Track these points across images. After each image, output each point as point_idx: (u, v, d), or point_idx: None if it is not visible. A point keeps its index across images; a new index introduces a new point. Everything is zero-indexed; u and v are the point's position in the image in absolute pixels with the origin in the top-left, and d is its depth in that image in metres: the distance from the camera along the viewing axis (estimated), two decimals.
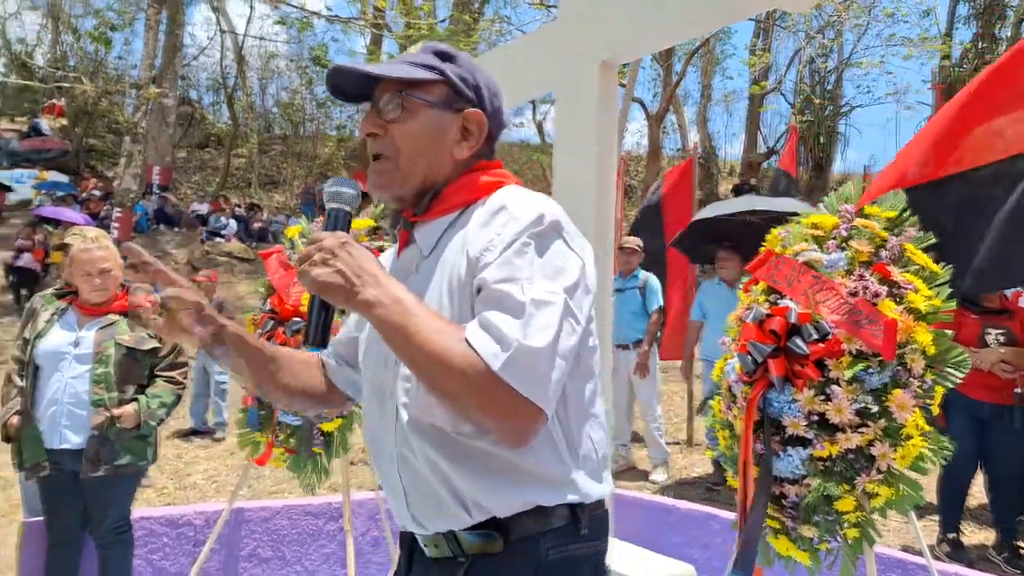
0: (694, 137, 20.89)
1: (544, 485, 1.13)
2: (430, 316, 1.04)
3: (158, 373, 3.19)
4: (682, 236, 6.06)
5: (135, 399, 3.09)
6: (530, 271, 1.05)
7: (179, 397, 3.24)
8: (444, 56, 1.25)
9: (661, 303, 6.10)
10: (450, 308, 1.12)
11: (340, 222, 1.18)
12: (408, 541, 1.29)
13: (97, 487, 3.02)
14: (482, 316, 1.03)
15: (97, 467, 2.98)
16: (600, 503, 1.20)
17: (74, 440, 3.00)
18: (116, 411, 3.00)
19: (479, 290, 1.07)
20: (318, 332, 1.14)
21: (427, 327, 1.02)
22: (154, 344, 3.19)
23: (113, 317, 3.15)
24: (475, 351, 1.00)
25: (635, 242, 6.19)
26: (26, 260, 13.34)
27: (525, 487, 1.12)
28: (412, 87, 1.20)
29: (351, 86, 1.25)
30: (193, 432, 7.54)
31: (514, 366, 0.99)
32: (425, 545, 1.22)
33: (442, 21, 17.22)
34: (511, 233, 1.08)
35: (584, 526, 1.16)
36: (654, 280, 6.11)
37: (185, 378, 3.29)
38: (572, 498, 1.14)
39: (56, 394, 3.01)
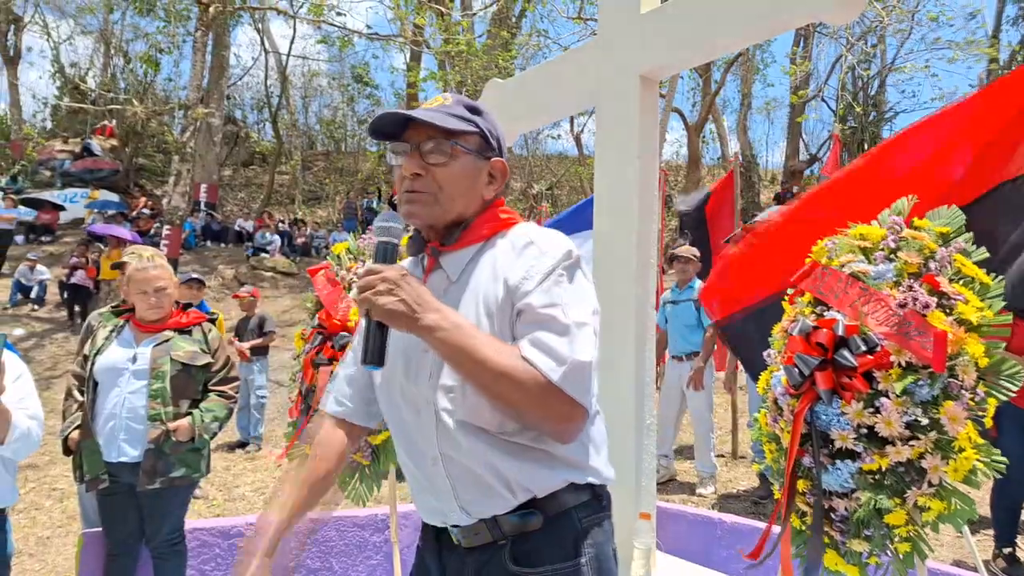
0: (734, 146, 20.65)
1: (572, 468, 1.35)
2: (488, 338, 1.25)
3: (211, 388, 3.28)
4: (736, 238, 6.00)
5: (190, 413, 3.17)
6: (567, 298, 1.28)
7: (231, 411, 3.32)
8: (474, 110, 1.44)
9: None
10: (488, 328, 1.30)
11: (389, 254, 1.32)
12: (434, 541, 1.45)
13: (153, 499, 3.11)
14: (532, 336, 1.25)
15: (153, 479, 3.06)
16: (605, 485, 1.44)
17: (131, 453, 3.08)
18: (172, 425, 3.09)
19: (520, 313, 1.28)
20: (376, 353, 1.27)
21: (488, 348, 1.22)
22: (207, 360, 3.28)
23: (168, 334, 3.24)
24: (534, 366, 1.22)
25: (691, 251, 6.09)
26: (79, 277, 13.71)
27: (559, 469, 1.33)
28: (455, 136, 1.38)
29: (389, 126, 1.40)
30: (240, 444, 7.69)
31: (570, 378, 1.22)
32: (462, 537, 1.38)
33: (480, 36, 17.40)
34: (547, 265, 1.30)
35: (604, 498, 1.41)
36: None
37: (236, 392, 3.38)
38: (592, 480, 1.38)
39: (115, 408, 3.10)
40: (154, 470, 3.06)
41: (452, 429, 1.31)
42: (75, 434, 3.15)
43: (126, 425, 3.09)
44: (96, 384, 3.16)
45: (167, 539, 3.19)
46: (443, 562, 1.43)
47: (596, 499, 1.39)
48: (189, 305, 3.41)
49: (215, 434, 3.26)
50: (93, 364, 3.18)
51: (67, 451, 3.20)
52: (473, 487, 1.33)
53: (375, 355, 1.27)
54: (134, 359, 3.16)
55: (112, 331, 3.25)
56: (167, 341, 3.21)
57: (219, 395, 3.27)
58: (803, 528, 2.05)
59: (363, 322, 1.29)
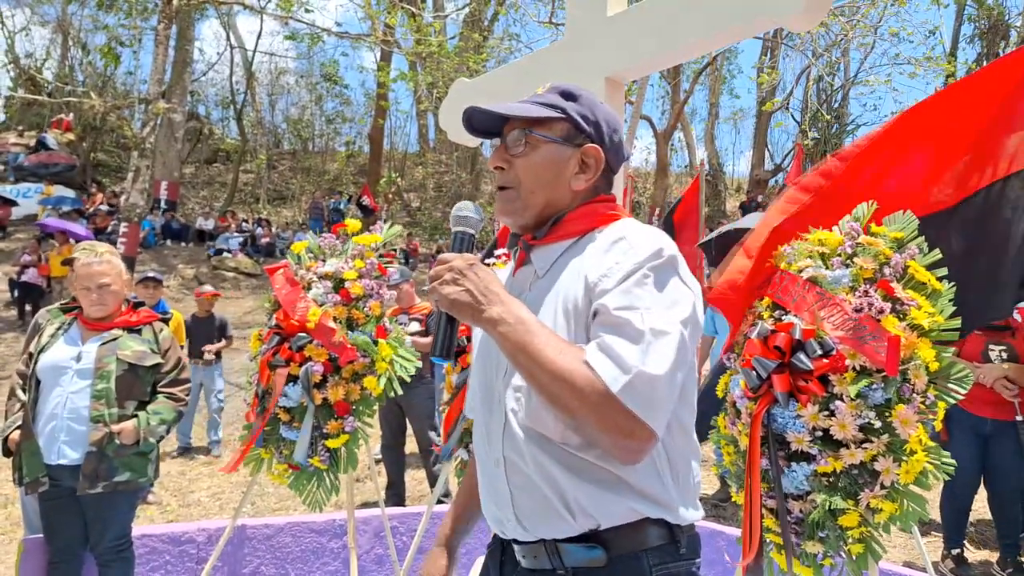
0: (701, 154, 20.94)
1: (646, 501, 1.20)
2: (551, 336, 1.14)
3: (160, 389, 3.17)
4: (711, 241, 6.03)
5: (135, 415, 3.06)
6: (649, 301, 1.14)
7: (180, 414, 3.22)
8: (567, 95, 1.34)
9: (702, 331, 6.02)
10: (565, 328, 1.20)
11: (465, 244, 1.29)
12: (499, 551, 1.36)
13: (96, 504, 2.99)
14: (601, 340, 1.12)
15: (95, 484, 2.94)
16: (692, 525, 1.28)
17: (72, 456, 2.96)
18: (115, 427, 2.97)
19: (596, 314, 1.16)
20: (444, 345, 1.23)
21: (549, 347, 1.11)
22: (157, 360, 3.17)
23: (116, 332, 3.13)
24: (595, 373, 1.09)
25: None
26: (31, 275, 13.37)
27: (628, 499, 1.19)
28: (536, 125, 1.31)
29: (483, 124, 1.36)
30: (184, 450, 7.49)
31: (633, 390, 1.08)
32: (523, 556, 1.28)
33: (452, 38, 17.36)
34: (631, 263, 1.17)
35: (683, 545, 1.23)
36: None
37: (187, 395, 3.26)
38: (669, 517, 1.21)
39: (55, 409, 2.98)
40: (96, 474, 2.94)
41: (517, 432, 1.23)
42: (15, 435, 3.03)
43: (67, 426, 2.97)
44: (39, 383, 3.05)
45: (112, 545, 3.08)
46: None
47: (673, 543, 1.22)
48: (141, 304, 3.31)
49: (162, 437, 3.14)
50: (37, 362, 3.07)
51: (7, 452, 3.08)
52: (531, 499, 1.22)
53: (442, 348, 1.23)
54: (78, 357, 3.05)
55: (59, 328, 3.15)
56: (114, 340, 3.11)
57: (167, 396, 3.16)
58: (771, 529, 2.06)
59: (435, 313, 1.24)
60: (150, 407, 3.10)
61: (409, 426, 5.80)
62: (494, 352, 1.28)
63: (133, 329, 3.17)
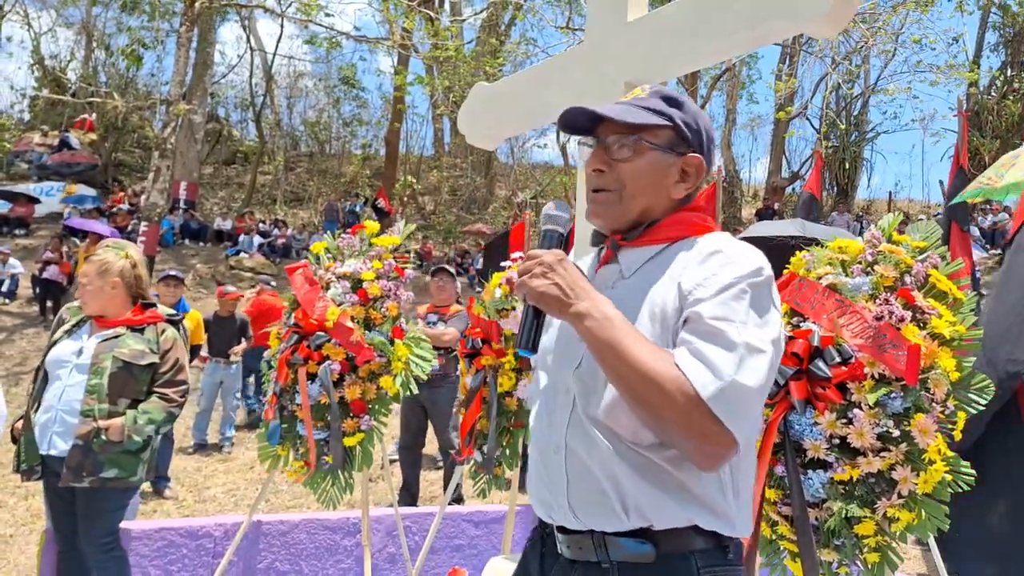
0: (718, 161, 20.86)
1: (703, 509, 1.20)
2: (639, 336, 1.16)
3: (154, 389, 3.15)
4: None
5: (125, 413, 3.05)
6: (745, 316, 1.15)
7: (172, 415, 3.17)
8: (672, 101, 1.34)
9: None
10: (650, 330, 1.20)
11: (554, 241, 1.31)
12: (539, 544, 1.37)
13: (84, 498, 3.00)
14: (693, 346, 1.13)
15: (80, 477, 2.94)
16: (739, 539, 1.28)
17: (61, 447, 2.97)
18: (103, 423, 2.97)
19: (687, 321, 1.17)
20: (530, 337, 1.26)
21: (638, 346, 1.13)
22: (153, 360, 3.14)
23: (119, 330, 3.13)
24: (687, 376, 1.10)
25: None
26: (52, 272, 13.51)
27: (687, 505, 1.19)
28: (642, 131, 1.30)
29: (579, 121, 1.35)
30: (199, 447, 7.56)
31: (724, 397, 1.09)
32: (567, 547, 1.28)
33: (469, 43, 17.43)
34: (730, 276, 1.18)
35: (730, 551, 1.25)
36: None
37: (183, 396, 3.21)
38: (724, 530, 1.22)
39: (52, 400, 3.02)
40: (80, 467, 2.94)
41: (584, 423, 1.24)
42: (20, 424, 3.11)
43: (60, 418, 3.00)
44: (46, 375, 3.10)
45: (100, 544, 3.04)
46: (544, 570, 1.34)
47: (721, 549, 1.23)
48: (151, 304, 3.29)
49: (150, 437, 3.09)
50: (46, 355, 3.13)
51: (13, 440, 3.14)
52: (588, 490, 1.23)
53: (528, 340, 1.26)
54: (79, 352, 3.08)
55: (75, 324, 3.20)
56: (116, 338, 3.11)
57: (160, 397, 3.14)
58: (773, 537, 2.05)
59: (520, 306, 1.25)
60: (140, 406, 3.08)
61: (429, 427, 5.83)
62: (570, 343, 1.28)
63: (136, 328, 3.17)
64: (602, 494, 1.21)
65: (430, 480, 6.47)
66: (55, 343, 3.14)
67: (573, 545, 1.27)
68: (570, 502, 1.25)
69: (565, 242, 1.33)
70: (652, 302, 1.23)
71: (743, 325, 1.14)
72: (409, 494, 5.71)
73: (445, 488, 5.67)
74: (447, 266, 6.32)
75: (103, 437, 2.96)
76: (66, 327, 3.19)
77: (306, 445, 3.08)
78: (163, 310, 3.30)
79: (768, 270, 1.21)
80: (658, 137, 1.31)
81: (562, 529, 1.29)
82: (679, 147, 1.32)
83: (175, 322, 3.30)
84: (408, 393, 3.10)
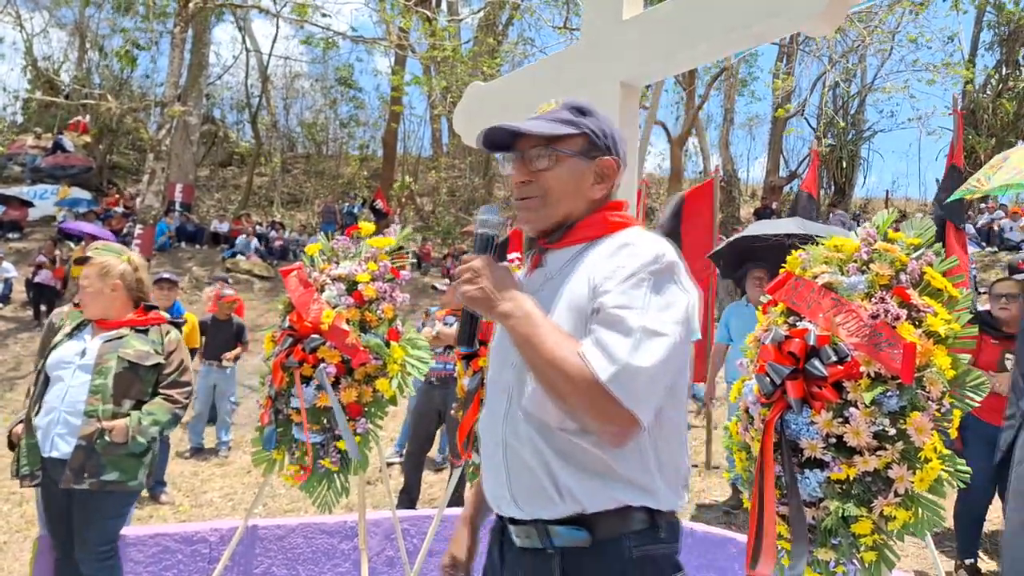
0: (716, 160, 20.89)
1: (630, 487, 1.31)
2: (553, 329, 1.27)
3: (159, 390, 3.14)
4: (721, 251, 5.99)
5: (129, 414, 3.03)
6: (644, 302, 1.26)
7: (176, 417, 3.15)
8: (581, 111, 1.46)
9: (699, 335, 5.99)
10: (571, 323, 1.31)
11: (487, 244, 1.42)
12: (499, 532, 1.48)
13: (83, 502, 2.96)
14: (596, 334, 1.25)
15: (81, 479, 2.90)
16: (673, 512, 1.38)
17: (64, 449, 2.94)
18: (107, 424, 2.94)
19: (596, 311, 1.28)
20: (466, 336, 1.41)
21: (549, 338, 1.25)
22: (158, 360, 3.13)
23: (123, 331, 3.12)
24: (588, 363, 1.22)
25: None
26: (44, 276, 13.47)
27: (614, 485, 1.30)
28: (556, 141, 1.42)
29: (499, 139, 1.47)
30: (196, 451, 7.53)
31: (619, 380, 1.20)
32: (517, 536, 1.39)
33: (466, 43, 17.42)
34: (632, 267, 1.29)
35: (662, 530, 1.34)
36: None
37: (187, 398, 3.21)
38: (650, 504, 1.32)
39: (55, 402, 2.99)
40: (82, 468, 2.91)
41: (518, 418, 1.35)
42: (19, 428, 3.07)
43: (64, 419, 2.97)
44: (47, 379, 3.07)
45: (95, 551, 2.99)
46: (503, 556, 1.46)
47: (653, 528, 1.33)
48: (153, 308, 3.28)
49: (153, 438, 3.08)
50: (47, 358, 3.09)
51: (11, 445, 3.10)
52: (526, 480, 1.34)
53: (464, 339, 1.40)
54: (83, 353, 3.06)
55: (76, 327, 3.18)
56: (120, 338, 3.10)
57: (165, 398, 3.13)
58: (783, 536, 2.04)
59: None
60: (145, 407, 3.07)
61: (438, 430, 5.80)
62: (507, 344, 1.39)
63: (140, 329, 3.16)
64: (538, 482, 1.32)
65: (429, 482, 6.46)
66: (56, 346, 3.11)
67: (522, 534, 1.37)
68: (512, 493, 1.37)
69: (496, 244, 1.43)
70: (570, 298, 1.34)
71: (642, 311, 1.25)
72: (409, 498, 5.69)
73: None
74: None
75: (107, 438, 2.93)
76: (67, 330, 3.17)
77: (302, 449, 3.07)
78: (190, 318, 3.29)
79: (669, 256, 1.31)
80: (572, 145, 1.42)
81: (512, 520, 1.41)
82: (592, 152, 1.44)
83: (177, 324, 3.30)
84: (415, 394, 3.10)
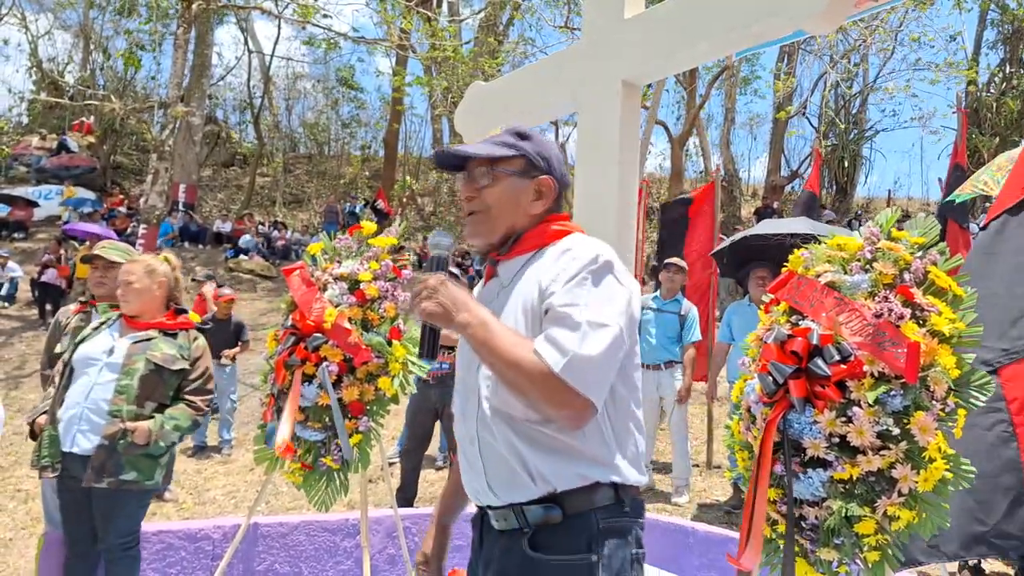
0: (717, 160, 20.84)
1: (595, 464, 1.44)
2: (508, 332, 1.40)
3: (183, 396, 3.16)
4: (723, 250, 5.98)
5: (152, 417, 3.05)
6: (586, 299, 1.40)
7: (197, 423, 3.20)
8: (521, 136, 1.62)
9: (700, 338, 6.00)
10: (524, 326, 1.46)
11: (440, 264, 1.54)
12: (479, 521, 1.61)
13: (103, 500, 2.99)
14: (547, 331, 1.39)
15: (101, 478, 2.93)
16: (637, 488, 1.51)
17: (84, 446, 2.97)
18: (130, 425, 2.97)
19: (546, 312, 1.42)
20: (428, 348, 1.49)
21: (505, 341, 1.37)
22: (184, 366, 3.16)
23: (152, 333, 3.14)
24: (542, 358, 1.34)
25: (681, 262, 6.12)
26: (50, 276, 13.48)
27: (579, 463, 1.43)
28: (498, 162, 1.58)
29: (450, 161, 1.63)
30: (199, 449, 7.56)
31: (571, 368, 1.33)
32: (495, 520, 1.52)
33: (467, 43, 17.42)
34: (574, 269, 1.43)
35: (627, 505, 1.48)
36: (695, 312, 6.04)
37: (209, 406, 3.25)
38: (615, 479, 1.45)
39: (79, 398, 3.01)
40: (103, 467, 2.93)
41: (488, 415, 1.48)
42: (42, 419, 3.09)
43: (86, 416, 2.99)
44: (72, 372, 3.08)
45: (118, 543, 3.05)
46: (482, 541, 1.58)
47: (618, 503, 1.46)
48: (183, 311, 3.29)
49: (174, 443, 3.11)
50: (74, 351, 3.11)
51: (32, 435, 3.12)
52: (501, 470, 1.47)
53: (425, 351, 1.49)
54: (111, 351, 3.08)
55: (103, 323, 3.20)
56: (148, 340, 3.11)
57: (188, 404, 3.15)
58: (772, 536, 2.04)
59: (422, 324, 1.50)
60: (168, 411, 3.09)
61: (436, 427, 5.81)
62: (468, 350, 1.55)
63: (169, 333, 3.18)
64: (512, 470, 1.45)
65: (430, 481, 6.46)
66: (84, 340, 3.14)
67: (500, 519, 1.50)
68: (489, 483, 1.50)
69: (447, 264, 1.56)
70: (523, 301, 1.49)
71: (585, 307, 1.38)
72: (404, 497, 5.68)
73: None
74: (455, 270, 6.32)
75: (128, 439, 2.96)
76: (93, 324, 3.20)
77: (304, 447, 3.08)
78: (193, 318, 3.31)
79: (605, 255, 1.45)
80: (512, 165, 1.58)
81: (491, 507, 1.53)
82: (531, 172, 1.59)
83: (203, 330, 3.32)
84: (415, 392, 3.10)
